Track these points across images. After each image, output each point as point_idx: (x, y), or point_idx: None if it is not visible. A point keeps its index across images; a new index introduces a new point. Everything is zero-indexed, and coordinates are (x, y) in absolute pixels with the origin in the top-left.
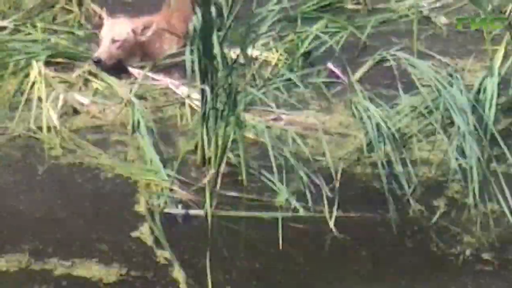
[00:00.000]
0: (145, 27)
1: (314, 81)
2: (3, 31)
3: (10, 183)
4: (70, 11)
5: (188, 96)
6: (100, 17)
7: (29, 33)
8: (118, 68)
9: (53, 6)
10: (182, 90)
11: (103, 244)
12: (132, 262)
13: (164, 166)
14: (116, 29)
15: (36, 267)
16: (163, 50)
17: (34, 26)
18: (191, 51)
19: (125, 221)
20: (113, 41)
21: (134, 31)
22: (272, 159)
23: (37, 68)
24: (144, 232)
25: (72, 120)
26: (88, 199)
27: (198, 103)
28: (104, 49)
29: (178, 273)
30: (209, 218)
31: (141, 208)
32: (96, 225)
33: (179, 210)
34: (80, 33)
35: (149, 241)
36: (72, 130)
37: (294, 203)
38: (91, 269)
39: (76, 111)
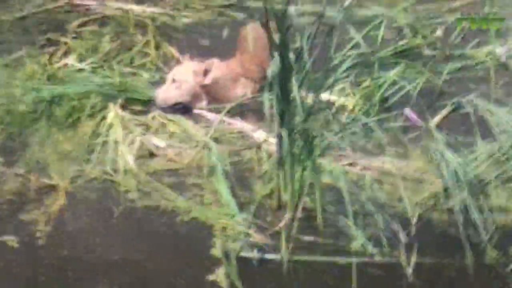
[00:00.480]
0: (207, 70)
1: (391, 126)
2: (81, 73)
3: (87, 225)
4: (147, 54)
5: (265, 140)
6: (178, 61)
7: (106, 76)
8: (184, 111)
9: (130, 49)
10: (259, 134)
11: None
12: None
13: (240, 210)
14: (177, 71)
15: None
16: (236, 94)
17: (111, 69)
18: (269, 95)
19: (201, 265)
20: (172, 81)
21: (195, 73)
22: (348, 204)
23: (113, 111)
24: (220, 275)
25: (148, 163)
26: (164, 242)
27: (275, 147)
28: (162, 90)
29: None
30: (285, 263)
31: (217, 251)
32: (172, 268)
33: (255, 254)
34: (157, 76)
35: (225, 285)
36: (149, 173)
37: (370, 248)
38: None
39: (152, 154)
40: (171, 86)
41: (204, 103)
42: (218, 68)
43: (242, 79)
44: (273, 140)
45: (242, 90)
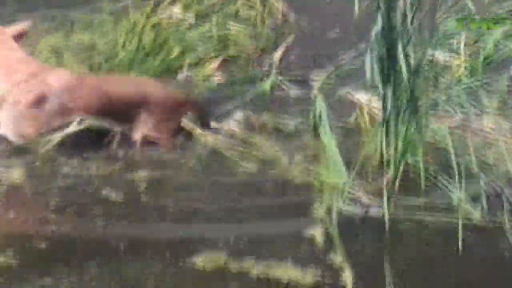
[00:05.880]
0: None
1: (496, 87)
2: (185, 24)
3: (191, 179)
4: (253, 7)
5: (370, 100)
6: (283, 15)
7: (209, 28)
8: None
9: (235, 1)
10: (361, 95)
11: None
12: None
13: (345, 167)
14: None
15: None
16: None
17: (215, 21)
18: (371, 55)
19: (301, 220)
20: None
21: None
22: (453, 164)
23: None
24: (317, 231)
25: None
26: (268, 197)
27: (379, 106)
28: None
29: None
30: (386, 221)
31: (320, 208)
32: (271, 222)
33: (357, 211)
34: (264, 31)
35: (321, 240)
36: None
37: (472, 210)
38: (286, 272)
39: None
40: None
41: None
42: None
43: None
44: (377, 99)
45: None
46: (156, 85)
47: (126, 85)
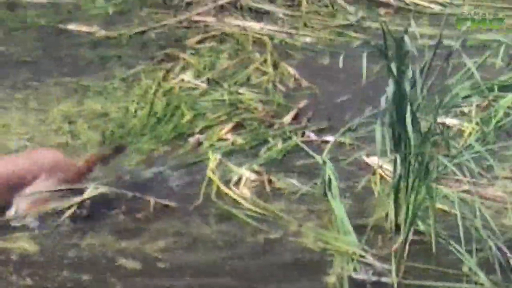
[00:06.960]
0: None
1: (507, 154)
2: (197, 90)
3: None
4: (265, 72)
5: (380, 165)
6: (296, 80)
7: (221, 95)
8: None
9: (247, 67)
10: (373, 159)
11: None
12: None
13: (354, 232)
14: None
15: None
16: None
17: (227, 87)
18: (382, 120)
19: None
20: None
21: None
22: (461, 229)
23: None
24: None
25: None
26: (282, 265)
27: (388, 171)
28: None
29: None
30: (396, 286)
31: (331, 275)
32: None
33: (367, 277)
34: (276, 96)
35: None
36: (260, 198)
37: (482, 275)
38: None
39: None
40: None
41: None
42: None
43: None
44: (388, 165)
45: None
46: (49, 156)
47: (12, 164)
